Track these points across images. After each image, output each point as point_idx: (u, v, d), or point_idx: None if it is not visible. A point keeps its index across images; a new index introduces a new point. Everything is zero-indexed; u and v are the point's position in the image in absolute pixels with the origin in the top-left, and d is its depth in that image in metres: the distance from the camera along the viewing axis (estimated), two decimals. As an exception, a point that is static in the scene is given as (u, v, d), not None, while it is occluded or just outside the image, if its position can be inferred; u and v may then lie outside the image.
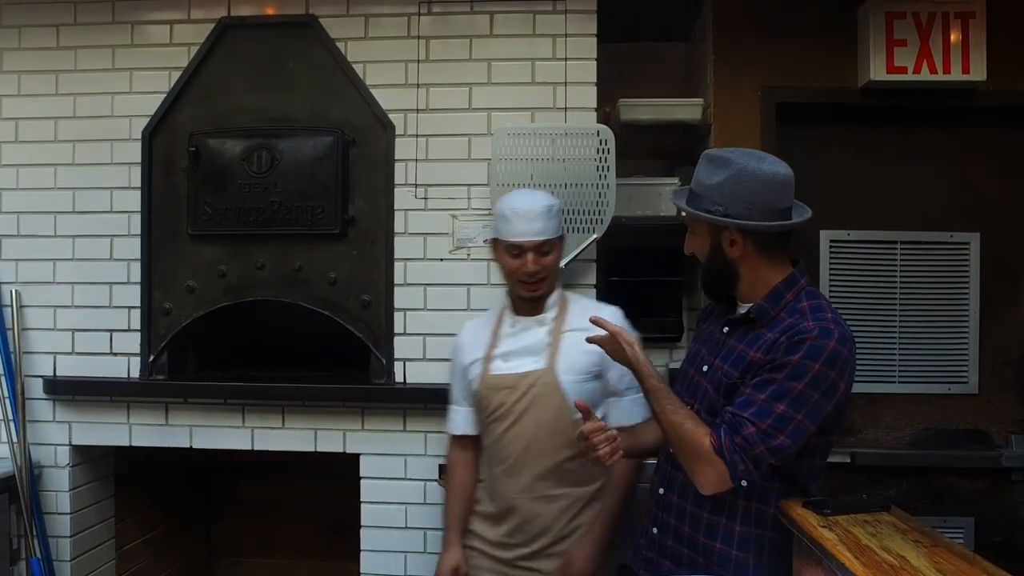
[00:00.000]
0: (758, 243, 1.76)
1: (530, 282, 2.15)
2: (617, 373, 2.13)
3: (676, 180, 3.14)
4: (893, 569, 1.31)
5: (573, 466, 2.11)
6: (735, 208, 1.72)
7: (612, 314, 2.15)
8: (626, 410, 2.18)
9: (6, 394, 2.85)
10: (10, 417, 2.83)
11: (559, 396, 2.11)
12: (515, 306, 2.26)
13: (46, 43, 2.94)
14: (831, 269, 3.14)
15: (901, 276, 3.14)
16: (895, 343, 3.13)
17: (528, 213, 2.12)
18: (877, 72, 2.83)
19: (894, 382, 3.13)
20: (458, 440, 2.33)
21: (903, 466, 3.05)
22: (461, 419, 2.31)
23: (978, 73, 2.82)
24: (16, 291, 2.90)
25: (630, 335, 1.84)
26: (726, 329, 1.85)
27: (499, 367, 2.19)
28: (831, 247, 3.13)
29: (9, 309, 2.89)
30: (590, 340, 1.89)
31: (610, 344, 1.85)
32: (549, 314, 2.22)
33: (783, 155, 2.76)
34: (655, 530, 1.91)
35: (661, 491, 1.91)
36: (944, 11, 2.82)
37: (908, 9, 2.82)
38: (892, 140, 3.16)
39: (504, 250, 2.16)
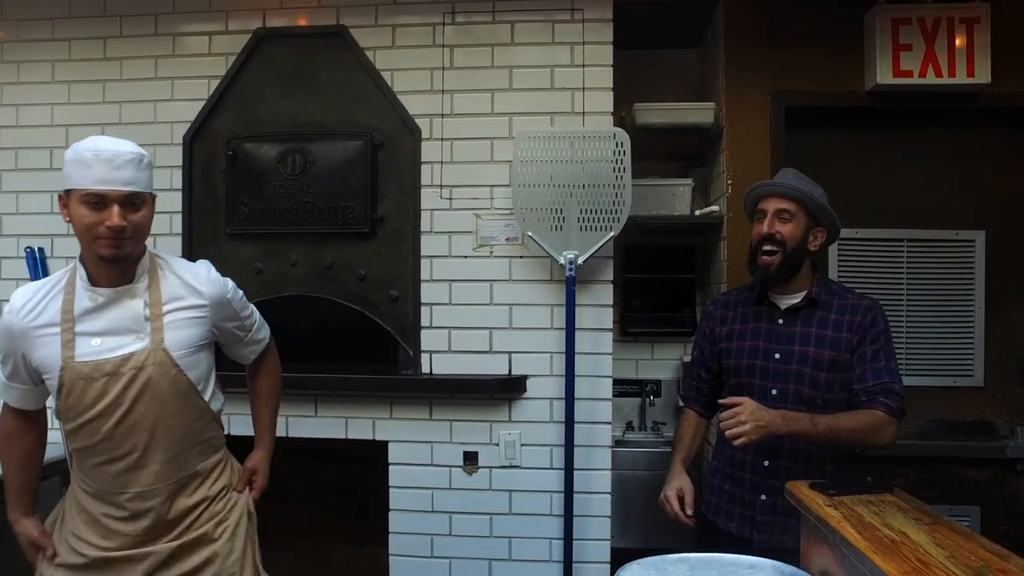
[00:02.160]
0: (821, 248, 2.19)
1: (113, 238, 1.71)
2: (234, 324, 1.99)
3: (690, 181, 3.19)
4: (894, 544, 1.34)
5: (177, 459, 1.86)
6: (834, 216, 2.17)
7: (207, 268, 1.95)
8: (255, 341, 2.08)
9: (57, 384, 2.93)
10: (61, 405, 2.91)
11: (175, 373, 1.81)
12: (93, 276, 1.79)
13: (94, 54, 3.02)
14: (840, 266, 3.18)
15: (908, 273, 3.17)
16: (902, 337, 3.15)
17: (116, 158, 1.71)
18: (883, 76, 2.85)
19: (902, 375, 3.14)
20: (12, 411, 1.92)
21: (910, 456, 3.07)
22: (17, 395, 1.89)
23: (983, 76, 2.85)
24: (66, 287, 2.98)
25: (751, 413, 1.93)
26: (781, 321, 2.16)
27: (87, 352, 1.77)
28: (840, 245, 3.15)
29: (59, 304, 2.97)
30: (734, 438, 1.93)
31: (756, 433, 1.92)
32: (141, 284, 1.82)
33: (792, 157, 2.84)
34: (764, 497, 2.12)
35: (766, 463, 2.13)
36: (949, 16, 2.85)
37: (914, 15, 2.85)
38: (898, 141, 3.19)
39: (80, 201, 1.70)
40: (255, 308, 2.10)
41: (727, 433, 1.92)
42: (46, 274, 2.97)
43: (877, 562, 1.25)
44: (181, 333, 1.84)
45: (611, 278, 2.83)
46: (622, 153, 2.71)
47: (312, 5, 2.92)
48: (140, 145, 2.87)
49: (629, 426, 3.57)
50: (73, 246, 2.97)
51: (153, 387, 1.79)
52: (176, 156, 2.94)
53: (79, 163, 1.72)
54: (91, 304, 1.79)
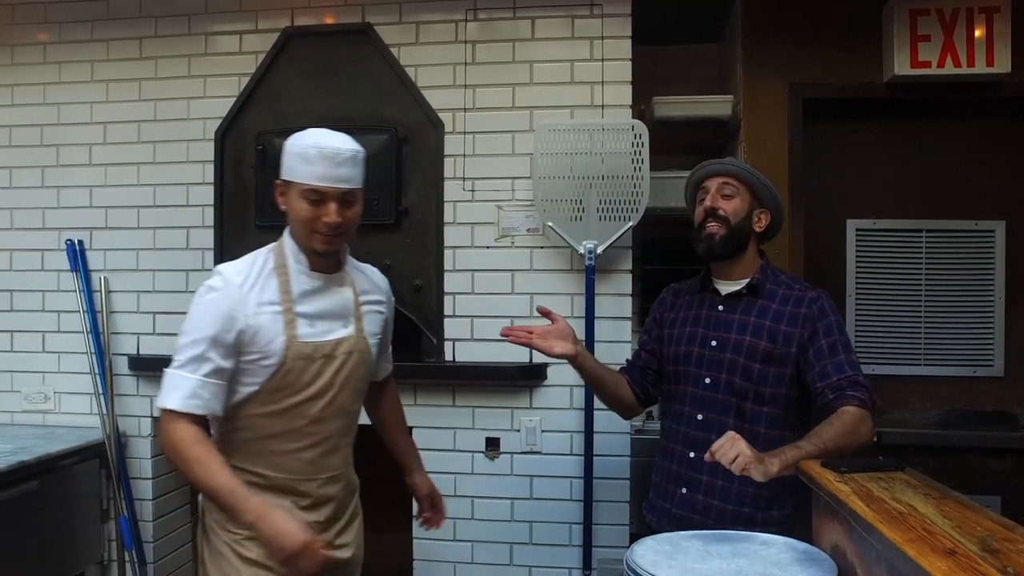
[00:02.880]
0: (764, 230, 2.09)
1: (329, 234, 1.74)
2: (390, 328, 2.06)
3: (708, 173, 3.19)
4: (901, 515, 1.35)
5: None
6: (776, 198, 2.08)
7: (382, 276, 2.02)
8: (388, 359, 2.12)
9: (97, 371, 3.04)
10: (100, 391, 3.02)
11: (369, 361, 1.89)
12: (310, 261, 1.80)
13: (130, 54, 3.11)
14: (857, 256, 3.17)
15: (927, 263, 3.15)
16: (920, 327, 3.14)
17: (336, 155, 1.71)
18: (901, 67, 2.84)
19: (920, 364, 3.14)
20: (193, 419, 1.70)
21: (929, 445, 3.05)
22: (213, 391, 1.70)
23: (1002, 65, 2.82)
24: (105, 278, 3.08)
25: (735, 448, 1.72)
26: (721, 307, 2.06)
27: (306, 333, 1.77)
28: (857, 235, 3.15)
29: (99, 294, 3.07)
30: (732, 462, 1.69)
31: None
32: (347, 274, 1.88)
33: (810, 148, 2.84)
34: (684, 490, 2.03)
35: (692, 455, 2.02)
36: (968, 6, 2.82)
37: (932, 5, 2.83)
38: (917, 132, 3.17)
39: (300, 195, 1.72)
40: None
41: (722, 460, 1.71)
42: (86, 266, 3.07)
43: (883, 531, 1.26)
44: (372, 324, 1.91)
45: (630, 268, 2.86)
46: (640, 144, 2.74)
47: (338, 4, 2.98)
48: (173, 142, 3.06)
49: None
50: (110, 239, 3.09)
51: (355, 372, 1.84)
52: (208, 151, 3.02)
53: (301, 158, 1.71)
54: (308, 287, 1.79)
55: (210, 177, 3.03)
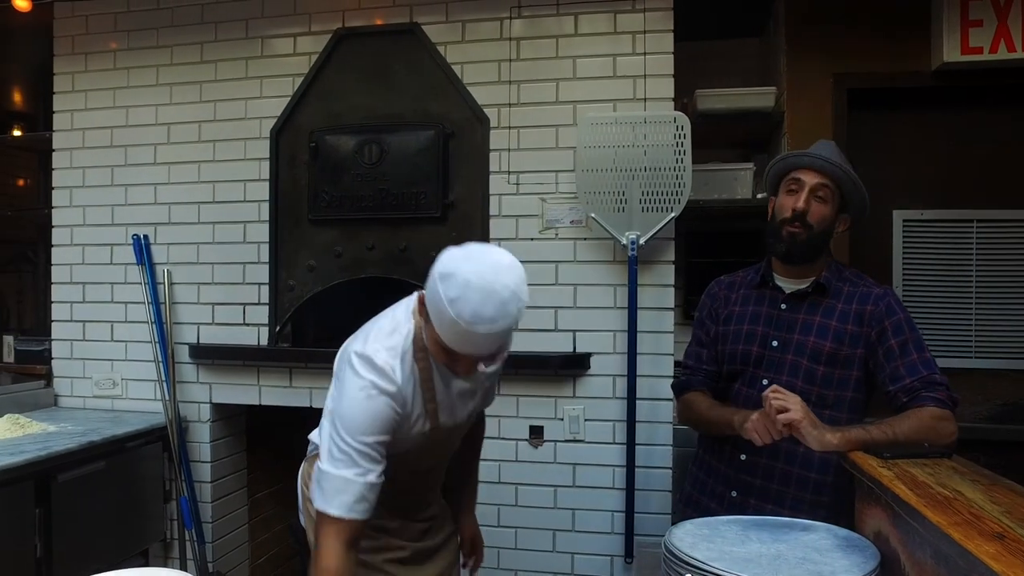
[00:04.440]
0: (844, 232, 1.98)
1: (468, 373, 1.59)
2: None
3: (751, 165, 3.12)
4: (947, 500, 1.29)
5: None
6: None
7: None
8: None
9: (160, 359, 3.11)
10: (163, 378, 3.09)
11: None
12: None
13: (192, 58, 3.18)
14: (904, 248, 3.05)
15: (978, 253, 3.01)
16: (971, 319, 3.01)
17: (492, 329, 1.43)
18: (951, 54, 2.73)
19: (971, 357, 3.01)
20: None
21: (981, 439, 2.91)
22: (374, 496, 1.56)
23: (1059, 50, 2.68)
24: (168, 270, 3.15)
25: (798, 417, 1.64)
26: (784, 306, 1.92)
27: (446, 419, 1.71)
28: (904, 226, 3.04)
29: (162, 286, 3.15)
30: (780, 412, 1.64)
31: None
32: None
33: (854, 139, 2.73)
34: (734, 493, 1.93)
35: (743, 456, 1.92)
36: (1024, -12, 2.70)
37: (983, -10, 2.72)
38: (967, 120, 3.05)
39: (438, 344, 1.51)
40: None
41: (772, 401, 1.64)
42: (151, 260, 3.15)
43: (927, 515, 1.20)
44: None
45: (673, 259, 2.80)
46: (682, 136, 2.69)
47: (387, 5, 2.99)
48: (231, 140, 3.10)
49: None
50: (173, 233, 3.16)
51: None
52: (264, 149, 3.07)
53: (453, 321, 1.41)
54: (443, 386, 1.67)
55: (266, 174, 3.07)
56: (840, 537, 1.58)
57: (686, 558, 1.45)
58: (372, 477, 1.52)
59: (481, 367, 1.54)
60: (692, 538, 1.58)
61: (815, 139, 2.87)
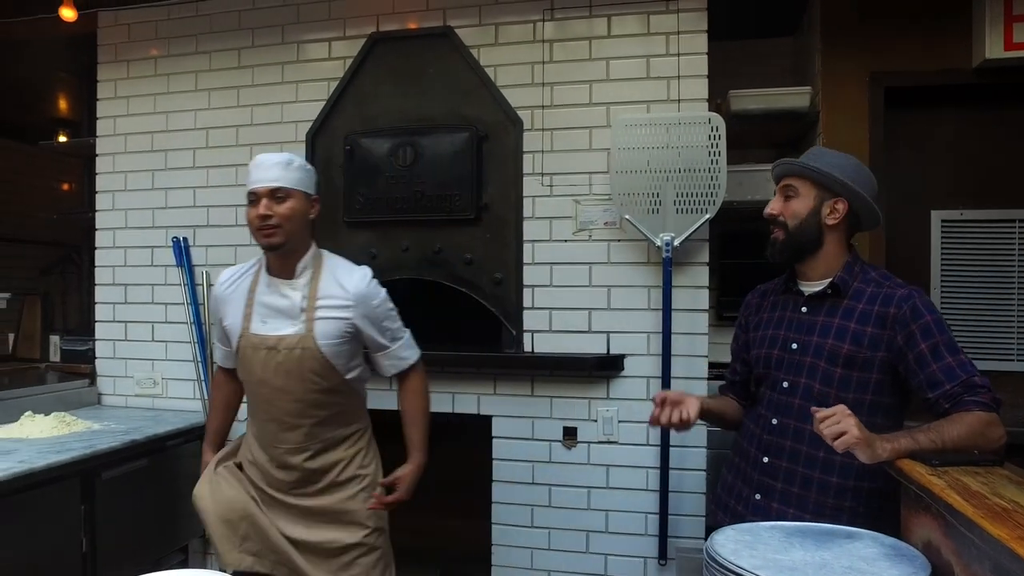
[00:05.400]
0: (850, 220, 1.87)
1: (263, 227, 1.98)
2: (375, 331, 2.10)
3: (786, 165, 3.04)
4: (1005, 512, 1.23)
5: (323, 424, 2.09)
6: (854, 182, 1.83)
7: (362, 276, 2.10)
8: (398, 357, 2.17)
9: (199, 358, 3.12)
10: (202, 377, 3.10)
11: (320, 357, 2.01)
12: (269, 265, 2.10)
13: (230, 64, 3.19)
14: (943, 248, 2.96)
15: (1020, 254, 2.91)
16: (1014, 320, 2.91)
17: (265, 163, 2.01)
18: (993, 50, 2.64)
19: (1012, 360, 2.91)
20: (223, 370, 2.32)
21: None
22: (221, 355, 2.28)
23: (1106, 46, 2.58)
24: (207, 272, 3.16)
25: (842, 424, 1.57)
26: (804, 309, 1.90)
27: (257, 327, 2.06)
28: (943, 227, 2.94)
29: (201, 287, 3.16)
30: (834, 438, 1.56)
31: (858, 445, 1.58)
32: (302, 279, 2.06)
33: (891, 138, 2.65)
34: (758, 496, 1.91)
35: (765, 459, 1.90)
36: (1070, -18, 2.60)
37: (1028, -16, 2.62)
38: (1009, 118, 2.94)
39: (248, 203, 2.02)
40: (407, 331, 2.22)
41: (826, 432, 1.58)
42: (190, 261, 3.16)
43: (986, 528, 1.14)
44: (328, 325, 2.03)
45: (707, 260, 2.74)
46: (717, 137, 2.63)
47: (421, 9, 2.97)
48: (268, 144, 3.10)
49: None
50: (211, 236, 3.17)
51: (300, 365, 2.01)
52: (300, 152, 3.05)
53: (248, 174, 2.04)
54: (266, 289, 2.08)
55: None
56: (887, 546, 1.52)
57: (730, 566, 1.40)
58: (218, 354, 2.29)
59: (262, 208, 1.97)
60: (734, 544, 1.53)
61: (850, 138, 2.85)
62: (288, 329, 2.03)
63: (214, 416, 2.35)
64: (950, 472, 1.46)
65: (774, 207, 1.90)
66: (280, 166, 2.02)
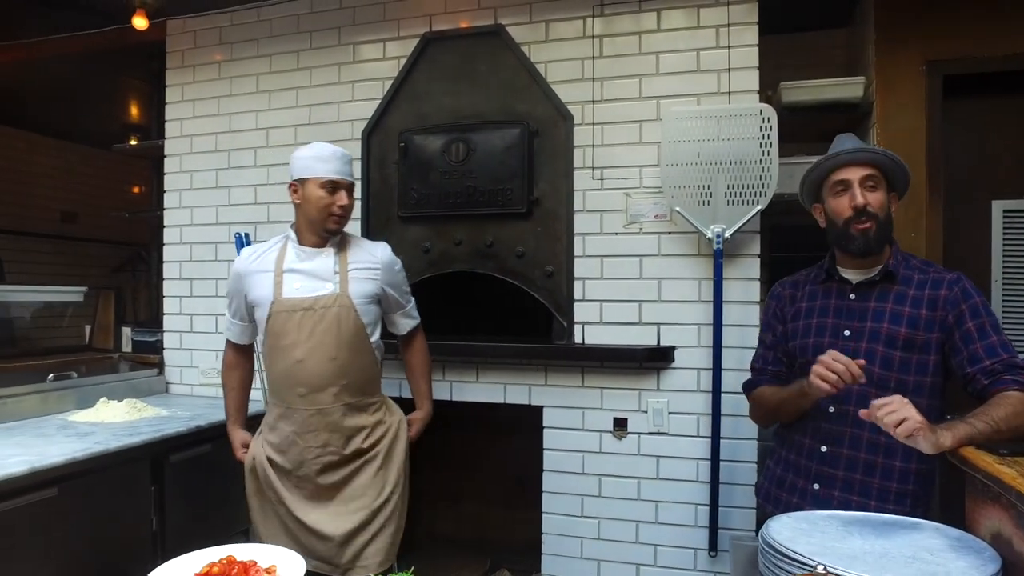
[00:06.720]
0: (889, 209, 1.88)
1: (341, 215, 2.20)
2: (397, 292, 2.35)
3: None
4: (1080, 500, 1.16)
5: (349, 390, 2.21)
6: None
7: (385, 246, 2.33)
8: (411, 316, 2.46)
9: (258, 350, 3.14)
10: (261, 368, 3.13)
11: (353, 316, 2.18)
12: (302, 238, 2.24)
13: (289, 66, 3.24)
14: (1005, 238, 2.82)
15: (1086, 245, 2.76)
16: (1077, 313, 2.76)
17: (344, 156, 2.22)
18: (1059, 35, 2.51)
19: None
20: (234, 346, 2.44)
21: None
22: (237, 331, 2.39)
23: None
24: (267, 266, 3.21)
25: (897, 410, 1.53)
26: (853, 296, 1.88)
27: (291, 292, 2.17)
28: (1005, 216, 2.81)
29: (262, 281, 3.20)
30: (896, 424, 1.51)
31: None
32: (332, 248, 2.24)
33: (949, 127, 2.55)
34: (816, 486, 1.86)
35: (824, 448, 1.86)
36: None
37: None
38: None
39: (319, 186, 2.16)
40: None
41: (887, 419, 1.51)
42: (252, 256, 3.21)
43: (1062, 515, 1.08)
44: (361, 284, 2.23)
45: (758, 252, 2.67)
46: (768, 128, 2.56)
47: (472, 8, 2.97)
48: (326, 141, 3.11)
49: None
50: (271, 232, 3.21)
51: (336, 324, 2.15)
52: (356, 150, 3.08)
53: (317, 159, 2.18)
54: (296, 259, 2.21)
55: (358, 174, 3.04)
56: (951, 537, 1.45)
57: (788, 552, 1.36)
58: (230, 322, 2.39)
59: (346, 199, 2.19)
60: (790, 532, 1.49)
61: (906, 128, 2.74)
62: (323, 290, 2.17)
63: (234, 396, 2.45)
64: (1020, 462, 1.39)
65: (865, 198, 1.82)
66: (350, 162, 2.25)
